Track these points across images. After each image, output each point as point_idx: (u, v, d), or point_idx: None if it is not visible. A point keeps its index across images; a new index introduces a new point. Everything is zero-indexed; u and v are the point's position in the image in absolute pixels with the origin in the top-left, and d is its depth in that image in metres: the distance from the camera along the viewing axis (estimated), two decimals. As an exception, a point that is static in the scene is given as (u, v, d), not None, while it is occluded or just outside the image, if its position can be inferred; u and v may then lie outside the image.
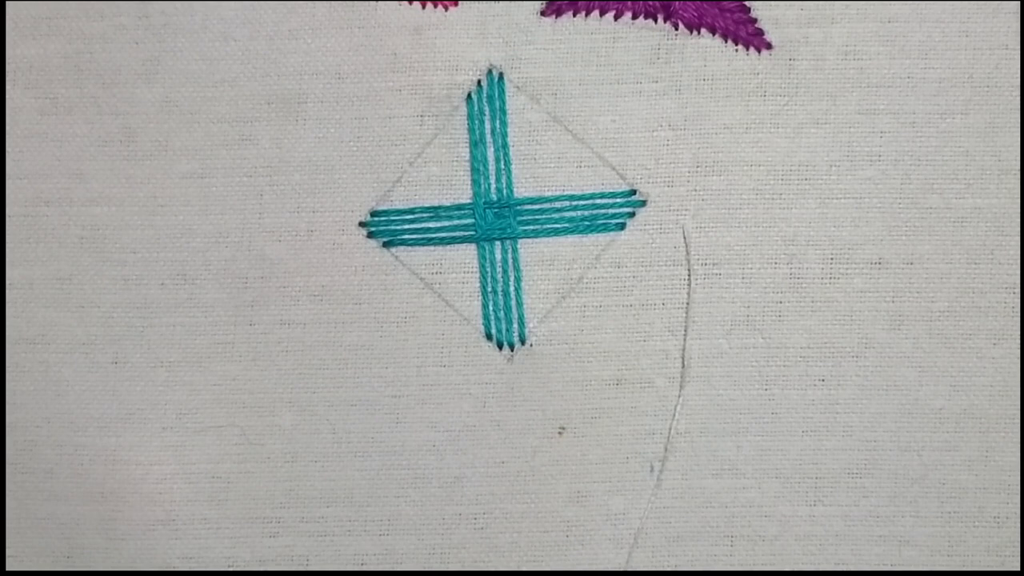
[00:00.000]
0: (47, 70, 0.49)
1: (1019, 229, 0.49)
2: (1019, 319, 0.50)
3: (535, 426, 0.51)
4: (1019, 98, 0.49)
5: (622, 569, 0.51)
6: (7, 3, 0.48)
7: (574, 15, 0.49)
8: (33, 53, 0.49)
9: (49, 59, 0.49)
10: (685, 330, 0.50)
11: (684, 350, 0.50)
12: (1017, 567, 0.51)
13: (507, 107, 0.49)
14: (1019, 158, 0.49)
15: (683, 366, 0.50)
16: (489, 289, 0.50)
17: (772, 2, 0.48)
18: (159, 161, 0.49)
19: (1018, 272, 0.49)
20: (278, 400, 0.51)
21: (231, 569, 0.51)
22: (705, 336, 0.50)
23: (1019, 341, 0.50)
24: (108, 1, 0.48)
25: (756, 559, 0.51)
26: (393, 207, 0.49)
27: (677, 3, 0.48)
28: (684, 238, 0.49)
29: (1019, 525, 0.51)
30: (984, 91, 0.49)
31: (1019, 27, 0.48)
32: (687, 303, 0.50)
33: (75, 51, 0.49)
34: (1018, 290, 0.49)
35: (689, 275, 0.49)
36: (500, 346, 0.50)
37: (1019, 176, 0.49)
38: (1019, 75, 0.49)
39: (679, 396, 0.50)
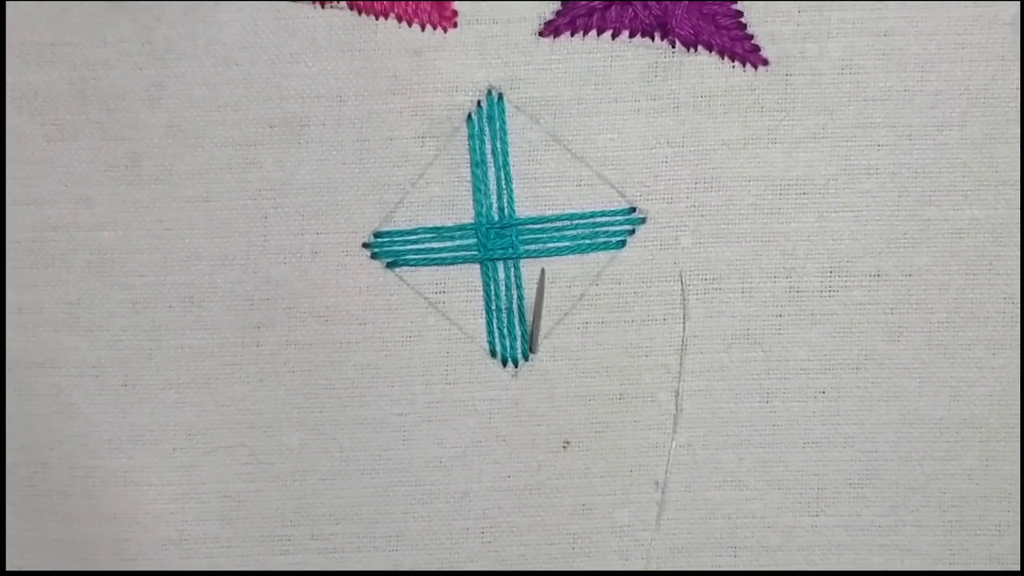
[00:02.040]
0: (52, 96, 0.49)
1: (1018, 240, 0.49)
2: (1018, 329, 0.49)
3: (540, 441, 0.51)
4: (1015, 109, 0.48)
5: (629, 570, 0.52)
6: (10, 31, 0.49)
7: (572, 35, 0.48)
8: (38, 80, 0.49)
9: (54, 85, 0.49)
10: (682, 348, 0.50)
11: (680, 368, 0.50)
12: (1017, 568, 0.51)
13: (507, 127, 0.49)
14: (1016, 169, 0.49)
15: (679, 382, 0.50)
16: (493, 307, 0.50)
17: (769, 14, 0.48)
18: (164, 185, 0.49)
19: (1016, 282, 0.49)
20: (286, 420, 0.51)
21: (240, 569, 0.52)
22: (706, 350, 0.50)
23: (1018, 351, 0.49)
24: (112, 22, 0.48)
25: (760, 569, 0.51)
26: (396, 228, 0.49)
27: (674, 16, 0.48)
28: (680, 279, 0.50)
29: (1019, 533, 0.51)
30: (981, 103, 0.48)
31: (1017, 39, 0.48)
32: (683, 320, 0.50)
33: (79, 77, 0.49)
34: (1016, 300, 0.49)
35: (683, 292, 0.50)
36: (504, 363, 0.50)
37: (1016, 187, 0.49)
38: (1017, 86, 0.48)
39: (677, 413, 0.51)
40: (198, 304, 0.50)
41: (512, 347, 0.50)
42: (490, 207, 0.49)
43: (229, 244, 0.50)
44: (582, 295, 0.50)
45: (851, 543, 0.51)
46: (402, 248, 0.49)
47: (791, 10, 0.48)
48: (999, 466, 0.50)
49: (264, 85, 0.49)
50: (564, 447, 0.51)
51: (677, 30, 0.48)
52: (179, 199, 0.49)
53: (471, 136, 0.49)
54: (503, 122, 0.49)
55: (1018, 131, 0.48)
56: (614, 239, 0.49)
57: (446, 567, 0.51)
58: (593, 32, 0.48)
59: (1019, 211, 0.49)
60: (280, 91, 0.49)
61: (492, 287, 0.50)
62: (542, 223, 0.49)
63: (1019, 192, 0.49)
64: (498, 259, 0.49)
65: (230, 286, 0.50)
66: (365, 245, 0.50)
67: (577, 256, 0.50)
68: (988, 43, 0.48)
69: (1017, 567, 0.51)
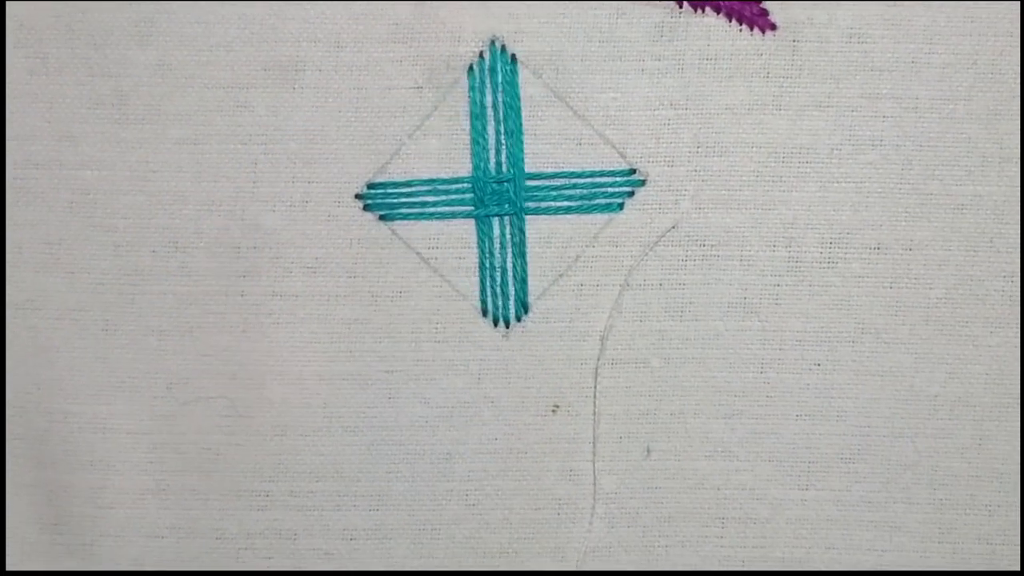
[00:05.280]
0: (37, 28, 0.46)
1: (1019, 217, 0.47)
2: (1016, 308, 0.48)
3: (529, 404, 0.49)
4: (1021, 86, 0.47)
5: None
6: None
7: (579, -12, 0.47)
8: (23, 11, 0.46)
9: (39, 17, 0.46)
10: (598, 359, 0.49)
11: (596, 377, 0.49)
12: (1017, 566, 0.50)
13: (515, 80, 0.48)
14: (1020, 146, 0.47)
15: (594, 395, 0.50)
16: (487, 265, 0.49)
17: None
18: (151, 125, 0.47)
19: (1015, 260, 0.48)
20: (268, 373, 0.48)
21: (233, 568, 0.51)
22: (702, 318, 0.49)
23: (1016, 330, 0.48)
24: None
25: (747, 541, 0.50)
26: (390, 179, 0.47)
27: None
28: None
29: (1011, 515, 0.49)
30: (988, 77, 0.47)
31: (1020, 14, 0.46)
32: (607, 325, 0.49)
33: (67, 10, 0.46)
34: (1014, 278, 0.48)
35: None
36: (496, 322, 0.49)
37: (1019, 164, 0.47)
38: (1021, 62, 0.47)
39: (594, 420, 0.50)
40: (182, 250, 0.48)
41: (504, 306, 0.49)
42: (488, 161, 0.48)
43: (217, 189, 0.47)
44: (578, 257, 0.49)
45: (840, 518, 0.50)
46: (396, 200, 0.48)
47: (802, -26, 0.46)
48: (992, 446, 0.49)
49: (259, 26, 0.46)
50: (553, 411, 0.50)
51: (686, -11, 0.47)
52: (166, 140, 0.47)
53: (471, 88, 0.47)
54: (504, 74, 0.47)
55: (1026, 107, 0.47)
56: (613, 201, 0.48)
57: (428, 528, 0.50)
58: (600, -13, 0.47)
59: (1021, 188, 0.48)
60: (276, 33, 0.46)
61: (487, 244, 0.48)
62: (540, 180, 0.48)
63: (1021, 169, 0.48)
64: (494, 215, 0.48)
65: (216, 232, 0.48)
66: (358, 196, 0.48)
67: (574, 216, 0.48)
68: (997, 17, 0.47)
69: (1012, 554, 0.50)
